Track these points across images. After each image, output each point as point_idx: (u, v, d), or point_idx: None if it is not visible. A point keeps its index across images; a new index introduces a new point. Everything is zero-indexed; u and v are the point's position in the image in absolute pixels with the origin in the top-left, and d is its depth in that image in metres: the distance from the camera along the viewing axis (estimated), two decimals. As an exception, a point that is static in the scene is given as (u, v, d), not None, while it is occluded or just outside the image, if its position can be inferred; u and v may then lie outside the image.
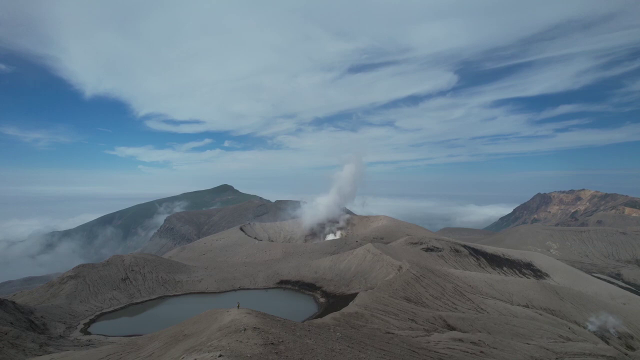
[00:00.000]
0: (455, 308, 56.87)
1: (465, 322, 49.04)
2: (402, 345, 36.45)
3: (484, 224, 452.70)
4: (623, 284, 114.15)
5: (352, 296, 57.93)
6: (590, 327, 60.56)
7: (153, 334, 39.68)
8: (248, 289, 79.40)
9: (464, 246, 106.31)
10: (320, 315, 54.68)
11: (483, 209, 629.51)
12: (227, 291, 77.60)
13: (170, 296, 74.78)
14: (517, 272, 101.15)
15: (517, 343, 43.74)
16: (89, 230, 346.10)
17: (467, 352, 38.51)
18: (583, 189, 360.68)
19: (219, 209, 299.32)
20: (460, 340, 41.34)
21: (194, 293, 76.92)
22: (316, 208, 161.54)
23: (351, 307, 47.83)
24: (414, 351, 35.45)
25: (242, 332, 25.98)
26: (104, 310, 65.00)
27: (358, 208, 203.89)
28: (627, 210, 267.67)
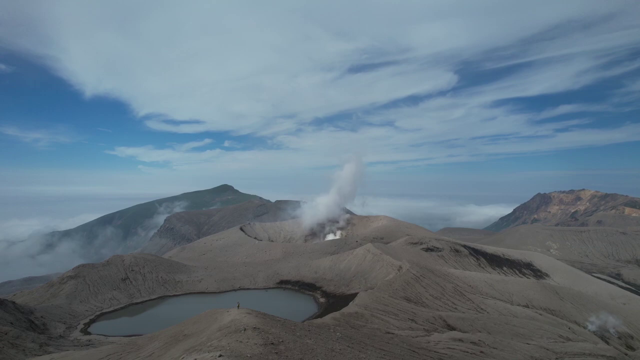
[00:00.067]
0: (455, 308, 56.87)
1: (465, 322, 49.04)
2: (402, 345, 36.45)
3: (484, 224, 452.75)
4: (623, 284, 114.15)
5: (352, 296, 57.94)
6: (590, 327, 60.56)
7: (153, 334, 39.68)
8: (248, 289, 79.41)
9: (464, 246, 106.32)
10: (320, 315, 54.69)
11: (483, 209, 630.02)
12: (227, 291, 77.61)
13: (170, 296, 74.79)
14: (517, 272, 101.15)
15: (517, 343, 43.75)
16: (89, 230, 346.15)
17: (467, 352, 38.51)
18: (583, 189, 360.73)
19: (219, 209, 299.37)
20: (460, 340, 41.34)
21: (194, 293, 76.93)
22: (316, 208, 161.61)
23: (351, 307, 47.84)
24: (414, 351, 35.45)
25: (242, 332, 25.98)
26: (104, 310, 65.00)
27: (358, 208, 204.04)
28: (627, 210, 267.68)
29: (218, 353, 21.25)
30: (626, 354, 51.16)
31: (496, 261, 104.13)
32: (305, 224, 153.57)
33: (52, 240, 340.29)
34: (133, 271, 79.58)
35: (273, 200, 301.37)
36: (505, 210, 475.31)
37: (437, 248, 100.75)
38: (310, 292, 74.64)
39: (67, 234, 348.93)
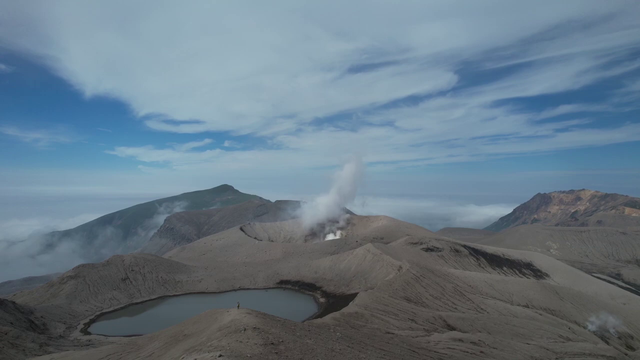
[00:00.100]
0: (455, 308, 56.87)
1: (465, 322, 49.04)
2: (402, 345, 36.45)
3: (484, 224, 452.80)
4: (623, 284, 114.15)
5: (352, 296, 57.94)
6: (590, 327, 60.56)
7: (153, 334, 39.68)
8: (248, 289, 79.41)
9: (464, 246, 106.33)
10: (320, 315, 54.69)
11: (483, 209, 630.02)
12: (227, 291, 77.61)
13: (170, 296, 74.79)
14: (517, 272, 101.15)
15: (517, 343, 43.75)
16: (89, 230, 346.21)
17: (467, 352, 38.51)
18: (583, 189, 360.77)
19: (219, 209, 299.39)
20: (460, 340, 41.35)
21: (194, 293, 76.93)
22: (316, 208, 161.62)
23: (351, 307, 47.84)
24: (414, 351, 35.45)
25: (242, 332, 25.99)
26: (104, 310, 65.00)
27: (358, 208, 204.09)
28: (627, 210, 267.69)
29: (218, 353, 21.25)
30: (626, 354, 51.16)
31: (496, 261, 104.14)
32: (305, 224, 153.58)
33: (52, 240, 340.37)
34: (133, 271, 79.58)
35: (273, 200, 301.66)
36: (505, 210, 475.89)
37: (437, 248, 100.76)
38: (310, 292, 74.64)
39: (67, 234, 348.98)
